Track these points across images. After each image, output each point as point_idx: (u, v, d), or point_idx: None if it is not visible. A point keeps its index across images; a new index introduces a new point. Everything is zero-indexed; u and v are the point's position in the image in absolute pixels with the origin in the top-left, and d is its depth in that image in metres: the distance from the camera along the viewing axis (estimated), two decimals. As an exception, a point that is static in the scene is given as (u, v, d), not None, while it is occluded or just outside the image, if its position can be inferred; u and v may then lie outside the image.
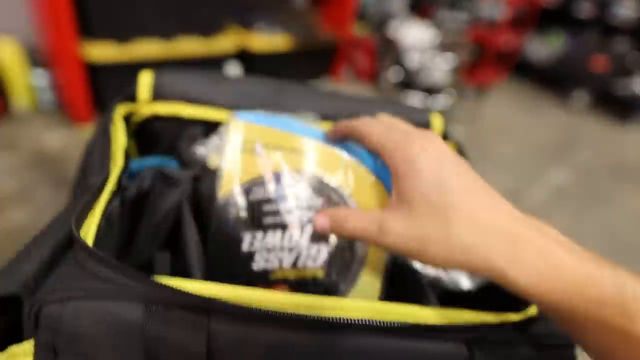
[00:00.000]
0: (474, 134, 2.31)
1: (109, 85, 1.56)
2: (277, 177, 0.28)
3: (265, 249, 0.29)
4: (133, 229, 0.33)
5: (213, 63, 1.82)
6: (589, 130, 2.80)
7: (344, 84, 2.49)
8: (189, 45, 1.66)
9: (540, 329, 0.24)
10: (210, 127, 0.41)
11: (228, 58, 1.88)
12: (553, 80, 3.34)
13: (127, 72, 1.52)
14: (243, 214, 0.28)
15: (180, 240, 0.30)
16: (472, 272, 0.21)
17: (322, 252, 0.29)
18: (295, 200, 0.28)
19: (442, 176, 0.22)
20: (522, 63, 3.43)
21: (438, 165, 0.22)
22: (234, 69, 1.92)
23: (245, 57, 1.96)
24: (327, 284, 0.29)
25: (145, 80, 0.39)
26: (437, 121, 0.45)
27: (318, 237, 0.29)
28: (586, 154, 2.41)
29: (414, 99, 2.04)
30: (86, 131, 1.52)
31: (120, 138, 0.34)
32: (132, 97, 0.39)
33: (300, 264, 0.29)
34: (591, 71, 3.13)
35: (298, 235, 0.29)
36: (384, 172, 0.28)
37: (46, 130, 1.48)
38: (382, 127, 0.26)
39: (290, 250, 0.29)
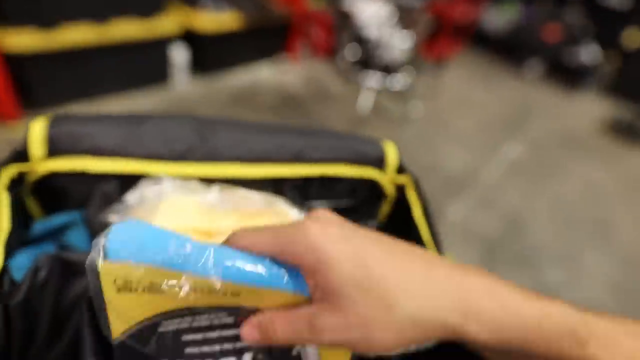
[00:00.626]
0: (433, 110, 2.30)
1: (39, 77, 1.40)
2: (192, 311, 0.22)
3: None
4: (30, 332, 0.27)
5: (155, 47, 1.67)
6: (542, 101, 2.88)
7: (300, 62, 2.39)
8: (126, 29, 1.51)
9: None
10: (126, 182, 0.35)
11: (172, 40, 1.73)
12: (508, 50, 3.38)
13: (58, 62, 1.40)
14: (154, 347, 0.23)
15: (78, 350, 0.24)
16: (428, 341, 0.20)
17: None
18: (222, 329, 0.23)
19: (360, 254, 0.20)
20: (478, 34, 3.43)
21: (348, 244, 0.20)
22: (179, 53, 1.78)
23: (192, 39, 1.82)
24: None
25: (36, 133, 0.32)
26: (391, 153, 0.41)
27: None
28: (539, 126, 2.48)
29: (372, 78, 1.99)
30: (15, 130, 1.37)
31: (2, 222, 0.27)
32: (22, 154, 0.32)
33: None
34: (544, 40, 3.19)
35: None
36: (293, 280, 0.22)
37: (-32, 132, 1.32)
38: (262, 231, 0.22)
39: None
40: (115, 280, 0.20)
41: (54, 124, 0.33)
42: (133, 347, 0.22)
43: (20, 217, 0.32)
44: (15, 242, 0.30)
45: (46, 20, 1.31)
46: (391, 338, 0.19)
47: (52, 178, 0.34)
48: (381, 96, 2.27)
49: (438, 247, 0.33)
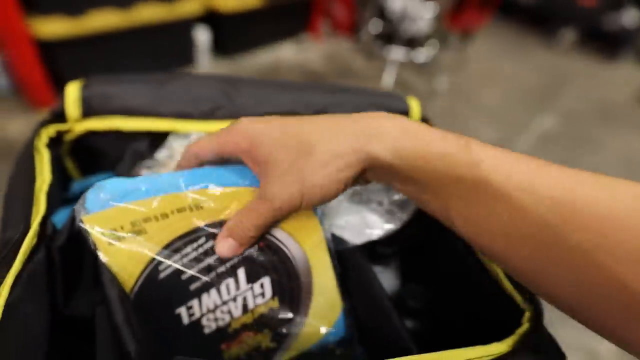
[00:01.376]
0: (460, 83, 2.24)
1: (69, 63, 1.45)
2: (175, 248, 0.25)
3: (208, 311, 0.26)
4: (73, 276, 0.29)
5: (179, 30, 1.69)
6: (576, 71, 2.74)
7: (323, 40, 2.37)
8: (150, 12, 1.53)
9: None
10: (157, 139, 0.36)
11: (195, 22, 1.74)
12: (539, 18, 3.21)
13: (86, 47, 1.44)
14: (163, 296, 0.25)
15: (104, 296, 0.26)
16: (349, 170, 0.22)
17: (266, 284, 0.26)
18: (207, 256, 0.25)
19: (280, 127, 0.24)
20: (506, 3, 3.27)
21: (271, 122, 0.24)
22: (202, 35, 1.79)
23: (214, 20, 1.83)
24: (287, 309, 0.27)
25: (72, 95, 0.33)
26: (415, 107, 0.40)
27: (254, 273, 0.26)
28: (573, 97, 2.37)
29: (396, 52, 1.95)
30: (51, 115, 1.43)
31: (44, 174, 0.29)
32: (60, 115, 0.34)
33: (250, 306, 0.26)
34: (579, 6, 3.00)
35: (234, 282, 0.26)
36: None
37: (5, 118, 1.39)
38: (206, 136, 0.27)
39: (235, 298, 0.26)
40: (103, 234, 0.22)
41: (87, 85, 0.34)
42: (146, 302, 0.24)
43: (60, 176, 0.34)
44: (56, 198, 0.32)
45: (74, 7, 1.34)
46: (320, 175, 0.22)
47: (88, 138, 0.35)
48: (405, 70, 2.22)
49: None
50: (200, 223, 0.25)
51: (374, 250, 0.35)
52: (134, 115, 0.35)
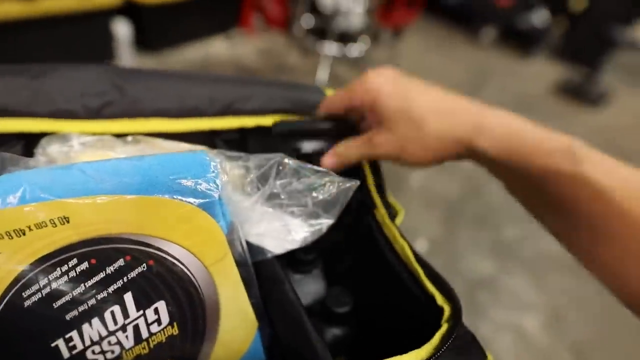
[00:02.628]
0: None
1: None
2: (40, 270, 0.20)
3: (93, 343, 0.22)
4: None
5: (95, 22, 1.54)
6: (497, 66, 2.94)
7: (255, 35, 2.31)
8: (58, 3, 1.38)
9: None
10: (33, 143, 0.30)
11: (114, 14, 1.61)
12: (463, 17, 3.41)
13: None
14: (32, 327, 0.21)
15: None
16: (446, 153, 0.25)
17: (161, 310, 0.23)
18: (83, 280, 0.21)
19: (403, 92, 0.26)
20: (433, 2, 3.43)
21: (396, 85, 0.27)
22: (122, 28, 1.66)
23: (136, 13, 1.70)
24: (190, 335, 0.24)
25: None
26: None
27: (145, 297, 0.22)
28: (495, 91, 2.54)
29: (329, 47, 1.95)
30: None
31: None
32: None
33: (144, 335, 0.23)
34: (497, 6, 3.23)
35: (120, 309, 0.22)
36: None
37: None
38: (336, 92, 0.31)
39: (124, 327, 0.22)
40: None
41: None
42: (10, 336, 0.20)
43: None
44: None
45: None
46: (420, 149, 0.26)
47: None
48: (340, 65, 2.23)
49: (379, 192, 0.32)
50: (68, 241, 0.20)
51: (293, 257, 0.32)
52: (3, 115, 0.29)
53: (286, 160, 0.27)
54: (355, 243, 0.34)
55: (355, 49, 2.05)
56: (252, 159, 0.27)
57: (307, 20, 2.01)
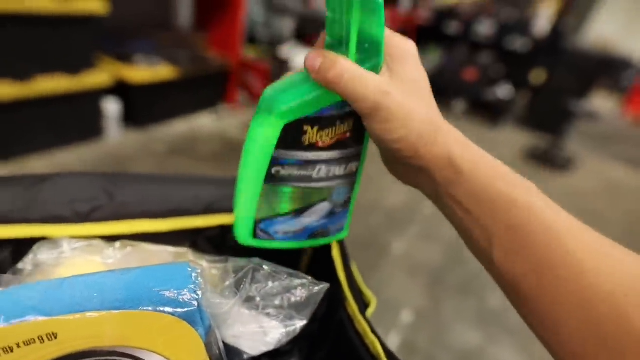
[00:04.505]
0: (371, 149, 2.40)
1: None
2: None
3: None
4: None
5: (85, 101, 1.62)
6: (468, 134, 3.11)
7: (240, 110, 2.43)
8: (51, 84, 1.45)
9: None
10: (21, 249, 0.32)
11: (104, 94, 1.69)
12: (435, 90, 3.67)
13: None
14: None
15: None
16: (433, 132, 0.25)
17: None
18: None
19: (422, 72, 0.27)
20: (407, 77, 3.71)
21: (419, 63, 0.27)
22: (112, 107, 1.73)
23: (125, 93, 1.79)
24: None
25: None
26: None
27: None
28: (469, 158, 2.67)
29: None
30: None
31: None
32: None
33: None
34: (465, 81, 3.52)
35: None
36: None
37: None
38: None
39: None
40: None
41: None
42: None
43: None
44: None
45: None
46: (421, 119, 0.25)
47: None
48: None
49: (350, 285, 0.34)
50: (55, 355, 0.21)
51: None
52: (-5, 222, 0.31)
53: (263, 266, 0.29)
54: (329, 334, 0.35)
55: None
56: (231, 262, 0.30)
57: (289, 97, 2.14)
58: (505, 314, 1.38)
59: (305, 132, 0.27)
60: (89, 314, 0.22)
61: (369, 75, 0.25)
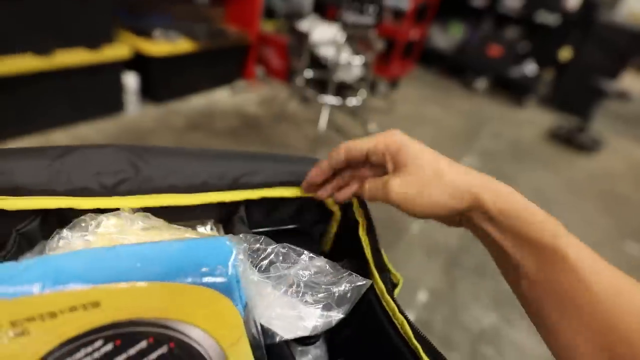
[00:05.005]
0: (389, 126, 2.35)
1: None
2: (65, 352, 0.21)
3: None
4: None
5: (105, 75, 1.62)
6: (490, 114, 3.04)
7: (257, 85, 2.40)
8: (72, 58, 1.45)
9: None
10: (50, 220, 0.32)
11: (123, 68, 1.69)
12: (456, 67, 3.56)
13: (1, 89, 1.32)
14: None
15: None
16: (457, 202, 0.28)
17: None
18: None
19: (422, 146, 0.30)
20: (428, 54, 3.60)
21: (417, 143, 0.31)
22: (131, 80, 1.73)
23: (144, 67, 1.78)
24: None
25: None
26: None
27: None
28: (488, 137, 2.61)
29: (329, 97, 2.03)
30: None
31: None
32: None
33: None
34: (488, 57, 3.39)
35: None
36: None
37: None
38: (361, 138, 0.33)
39: None
40: None
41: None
42: None
43: None
44: None
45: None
46: (438, 193, 0.28)
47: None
48: (338, 114, 2.31)
49: (377, 265, 0.33)
50: (97, 324, 0.21)
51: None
52: (23, 194, 0.31)
53: (306, 253, 0.28)
54: (356, 315, 0.35)
55: (354, 99, 2.13)
56: (265, 242, 0.29)
57: (307, 71, 2.10)
58: (523, 296, 1.37)
59: None
60: (133, 284, 0.22)
61: (378, 180, 0.32)
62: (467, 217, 0.29)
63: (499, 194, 0.27)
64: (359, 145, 0.32)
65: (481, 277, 1.41)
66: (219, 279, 0.23)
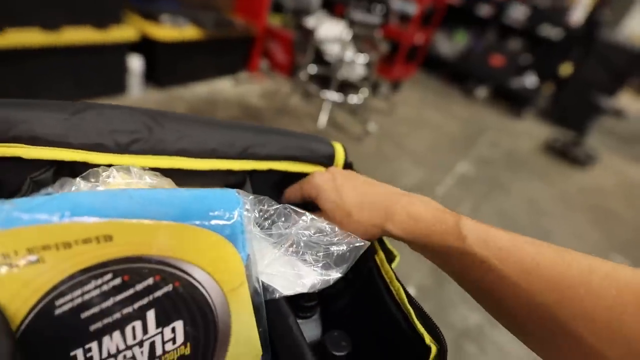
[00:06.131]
0: (389, 127, 2.39)
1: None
2: (77, 282, 0.23)
3: (109, 355, 0.23)
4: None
5: (111, 55, 1.62)
6: (488, 122, 3.07)
7: (261, 78, 2.41)
8: (79, 35, 1.46)
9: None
10: (62, 171, 0.33)
11: (129, 50, 1.69)
12: (458, 74, 3.60)
13: (6, 62, 1.32)
14: (57, 334, 0.22)
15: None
16: (369, 234, 0.32)
17: (178, 329, 0.25)
18: (113, 295, 0.23)
19: (338, 189, 0.34)
20: (431, 59, 3.63)
21: (333, 183, 0.35)
22: (136, 63, 1.74)
23: (150, 51, 1.79)
24: (199, 358, 0.26)
25: (-35, 117, 0.30)
26: (340, 151, 0.42)
27: (166, 316, 0.24)
28: (486, 145, 2.64)
29: (331, 93, 2.04)
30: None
31: None
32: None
33: (158, 352, 0.24)
34: (490, 66, 3.43)
35: (141, 325, 0.24)
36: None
37: None
38: (293, 185, 0.39)
39: (141, 343, 0.24)
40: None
41: (-14, 109, 0.31)
42: (36, 341, 0.22)
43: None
44: None
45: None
46: (353, 230, 0.32)
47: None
48: (339, 112, 2.32)
49: (380, 242, 0.35)
50: (108, 257, 0.23)
51: (295, 302, 0.34)
52: (40, 144, 0.32)
53: (307, 214, 0.30)
54: (354, 284, 0.37)
55: (355, 98, 2.14)
56: (267, 202, 0.31)
57: (311, 67, 2.12)
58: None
59: None
60: (144, 221, 0.23)
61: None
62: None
63: (400, 219, 0.31)
64: (294, 193, 0.38)
65: (469, 279, 1.44)
66: (224, 223, 0.25)
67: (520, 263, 0.25)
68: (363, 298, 0.35)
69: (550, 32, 3.19)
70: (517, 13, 3.31)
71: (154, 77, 1.88)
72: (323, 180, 0.35)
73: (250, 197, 0.30)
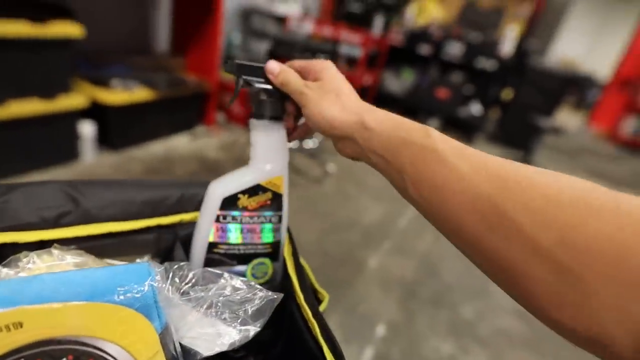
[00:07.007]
0: (347, 167, 2.47)
1: None
2: None
3: None
4: None
5: (61, 123, 1.62)
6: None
7: (217, 130, 2.46)
8: (26, 108, 1.46)
9: None
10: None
11: (79, 117, 1.70)
12: (409, 109, 3.80)
13: None
14: None
15: None
16: (346, 114, 0.34)
17: None
18: None
19: (339, 76, 0.38)
20: (382, 97, 3.83)
21: (338, 72, 0.38)
22: (87, 128, 1.74)
23: (101, 116, 1.80)
24: None
25: None
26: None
27: None
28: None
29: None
30: None
31: None
32: None
33: None
34: (437, 99, 3.65)
35: None
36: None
37: None
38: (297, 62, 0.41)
39: None
40: None
41: None
42: None
43: None
44: None
45: None
46: (331, 105, 0.35)
47: None
48: (298, 156, 2.38)
49: (299, 278, 0.37)
50: (20, 344, 0.23)
51: (224, 354, 0.36)
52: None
53: (224, 274, 0.32)
54: (283, 329, 0.38)
55: (311, 142, 2.22)
56: (194, 270, 0.33)
57: (266, 117, 2.19)
58: (478, 324, 1.42)
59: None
60: (53, 305, 0.24)
61: (300, 81, 0.39)
62: (353, 139, 0.34)
63: (378, 114, 0.33)
64: (298, 62, 0.41)
65: (437, 308, 1.46)
66: (133, 295, 0.26)
67: (475, 159, 0.26)
68: (289, 342, 0.37)
69: (485, 64, 3.47)
70: (454, 49, 3.59)
71: (107, 140, 1.88)
72: (332, 65, 0.39)
73: (165, 265, 0.32)
